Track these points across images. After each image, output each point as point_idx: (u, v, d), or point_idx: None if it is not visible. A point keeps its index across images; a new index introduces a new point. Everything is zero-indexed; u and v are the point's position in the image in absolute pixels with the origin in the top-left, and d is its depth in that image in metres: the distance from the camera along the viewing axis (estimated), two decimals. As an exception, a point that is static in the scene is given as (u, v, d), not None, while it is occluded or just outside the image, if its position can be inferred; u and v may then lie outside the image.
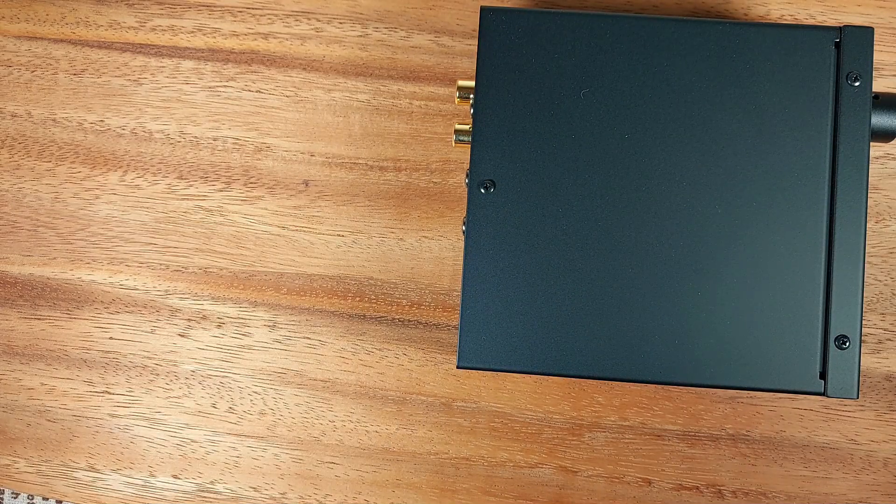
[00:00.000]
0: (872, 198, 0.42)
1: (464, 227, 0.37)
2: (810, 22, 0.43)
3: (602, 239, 0.36)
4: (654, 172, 0.36)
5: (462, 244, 0.39)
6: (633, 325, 0.36)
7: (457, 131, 0.38)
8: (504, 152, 0.37)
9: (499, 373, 0.42)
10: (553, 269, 0.36)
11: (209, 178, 0.44)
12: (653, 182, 0.36)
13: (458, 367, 0.36)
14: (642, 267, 0.36)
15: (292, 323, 0.43)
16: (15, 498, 0.46)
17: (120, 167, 0.45)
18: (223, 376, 0.44)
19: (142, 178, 0.44)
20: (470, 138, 0.37)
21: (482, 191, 0.37)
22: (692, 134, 0.36)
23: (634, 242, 0.36)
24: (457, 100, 0.39)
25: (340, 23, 0.44)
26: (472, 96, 0.38)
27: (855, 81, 0.36)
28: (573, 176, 0.37)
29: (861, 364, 0.36)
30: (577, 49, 0.37)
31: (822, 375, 0.35)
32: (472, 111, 0.37)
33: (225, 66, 0.45)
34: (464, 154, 0.43)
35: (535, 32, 0.37)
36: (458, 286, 0.42)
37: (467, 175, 0.37)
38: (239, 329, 0.44)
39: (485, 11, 0.38)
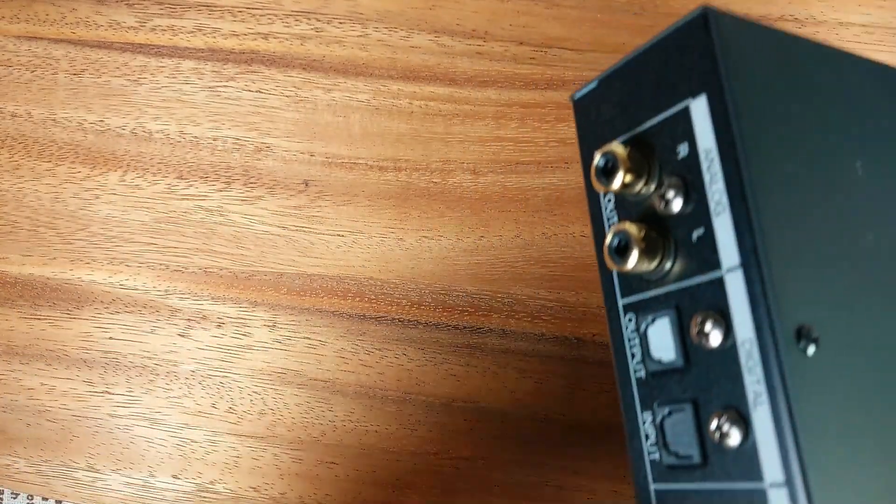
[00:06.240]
0: None
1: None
2: (810, 21, 0.43)
3: None
4: None
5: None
6: None
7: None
8: (813, 274, 0.21)
9: (498, 373, 0.42)
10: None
11: (209, 178, 0.44)
12: None
13: None
14: None
15: (292, 323, 0.43)
16: (15, 498, 0.45)
17: (120, 167, 0.45)
18: (223, 376, 0.44)
19: (142, 178, 0.44)
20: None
21: (800, 348, 0.20)
22: None
23: None
24: (598, 185, 0.23)
25: (340, 23, 0.44)
26: (707, 162, 0.21)
27: None
28: (889, 296, 0.22)
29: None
30: (844, 98, 0.24)
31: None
32: (712, 188, 0.21)
33: (225, 66, 0.45)
34: (464, 153, 0.43)
35: (785, 64, 0.23)
36: (458, 285, 0.42)
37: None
38: (239, 329, 0.44)
39: (711, 14, 0.22)
